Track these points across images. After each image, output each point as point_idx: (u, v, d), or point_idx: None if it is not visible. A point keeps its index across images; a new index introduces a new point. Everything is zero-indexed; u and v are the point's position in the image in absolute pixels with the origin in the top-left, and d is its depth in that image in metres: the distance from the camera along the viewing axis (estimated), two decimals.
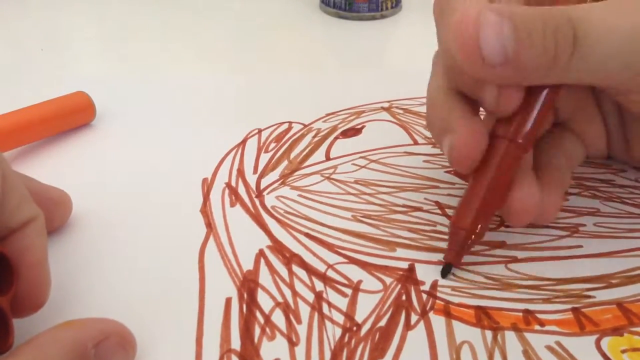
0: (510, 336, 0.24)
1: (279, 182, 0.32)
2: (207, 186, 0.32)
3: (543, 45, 0.22)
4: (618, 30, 0.23)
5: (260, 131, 0.37)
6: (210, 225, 0.29)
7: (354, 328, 0.24)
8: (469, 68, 0.24)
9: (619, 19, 0.23)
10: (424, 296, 0.26)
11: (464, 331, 0.24)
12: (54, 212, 0.28)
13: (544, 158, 0.29)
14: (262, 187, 0.32)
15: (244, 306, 0.25)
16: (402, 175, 0.33)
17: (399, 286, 0.26)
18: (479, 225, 0.26)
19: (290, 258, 0.28)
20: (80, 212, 0.30)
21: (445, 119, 0.26)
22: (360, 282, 0.26)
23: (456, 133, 0.25)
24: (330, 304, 0.25)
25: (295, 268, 0.27)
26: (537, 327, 0.25)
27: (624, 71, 0.23)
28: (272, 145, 0.35)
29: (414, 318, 0.25)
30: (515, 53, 0.23)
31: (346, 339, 0.24)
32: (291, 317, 0.25)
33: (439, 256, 0.28)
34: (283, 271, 0.27)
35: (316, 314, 0.25)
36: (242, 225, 0.30)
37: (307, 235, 0.29)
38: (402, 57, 0.48)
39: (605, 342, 0.24)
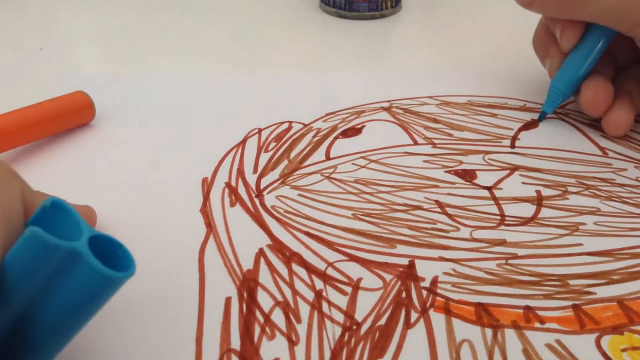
0: (510, 334, 0.24)
1: (279, 182, 0.32)
2: (207, 186, 0.32)
3: None
4: None
5: (260, 131, 0.37)
6: (210, 225, 0.29)
7: (354, 327, 0.24)
8: (517, 2, 0.36)
9: None
10: (424, 293, 0.26)
11: (464, 329, 0.24)
12: None
13: (619, 86, 0.37)
14: (262, 186, 0.32)
15: (244, 305, 0.25)
16: (402, 175, 0.33)
17: (399, 283, 0.26)
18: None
19: (290, 257, 0.28)
20: None
21: (545, 48, 0.38)
22: (360, 279, 0.26)
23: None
24: (330, 303, 0.25)
25: (295, 267, 0.27)
26: (537, 324, 0.25)
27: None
28: (272, 144, 0.35)
29: (414, 316, 0.25)
30: None
31: (346, 337, 0.24)
32: (291, 316, 0.25)
33: (440, 252, 0.28)
34: (283, 270, 0.27)
35: (316, 313, 0.25)
36: (242, 224, 0.30)
37: (307, 233, 0.29)
38: (402, 57, 0.48)
39: (606, 341, 0.24)
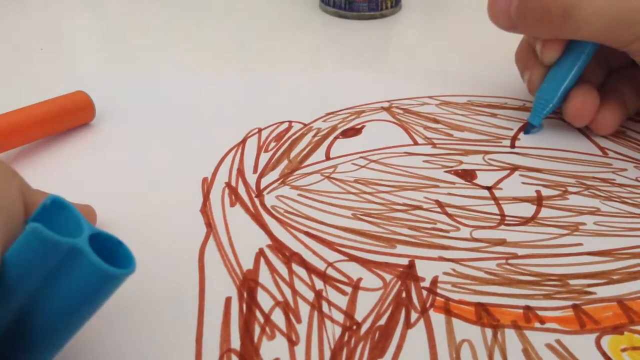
0: (510, 334, 0.24)
1: (279, 182, 0.32)
2: (207, 186, 0.32)
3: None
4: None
5: (260, 130, 0.37)
6: (210, 225, 0.29)
7: (354, 327, 0.24)
8: (497, 25, 0.36)
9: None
10: (424, 293, 0.26)
11: (464, 329, 0.24)
12: None
13: (612, 85, 0.37)
14: (262, 186, 0.32)
15: (244, 305, 0.25)
16: (402, 175, 0.33)
17: (399, 283, 0.26)
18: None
19: (290, 257, 0.28)
20: None
21: (525, 61, 0.38)
22: (360, 279, 0.26)
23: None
24: (330, 303, 0.25)
25: (295, 267, 0.27)
26: (537, 324, 0.25)
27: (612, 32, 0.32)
28: (272, 144, 0.35)
29: (414, 316, 0.25)
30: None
31: (346, 338, 0.24)
32: (291, 316, 0.25)
33: (439, 252, 0.28)
34: (283, 270, 0.27)
35: (316, 313, 0.25)
36: (242, 224, 0.30)
37: (307, 233, 0.29)
38: (402, 57, 0.48)
39: (606, 341, 0.24)
